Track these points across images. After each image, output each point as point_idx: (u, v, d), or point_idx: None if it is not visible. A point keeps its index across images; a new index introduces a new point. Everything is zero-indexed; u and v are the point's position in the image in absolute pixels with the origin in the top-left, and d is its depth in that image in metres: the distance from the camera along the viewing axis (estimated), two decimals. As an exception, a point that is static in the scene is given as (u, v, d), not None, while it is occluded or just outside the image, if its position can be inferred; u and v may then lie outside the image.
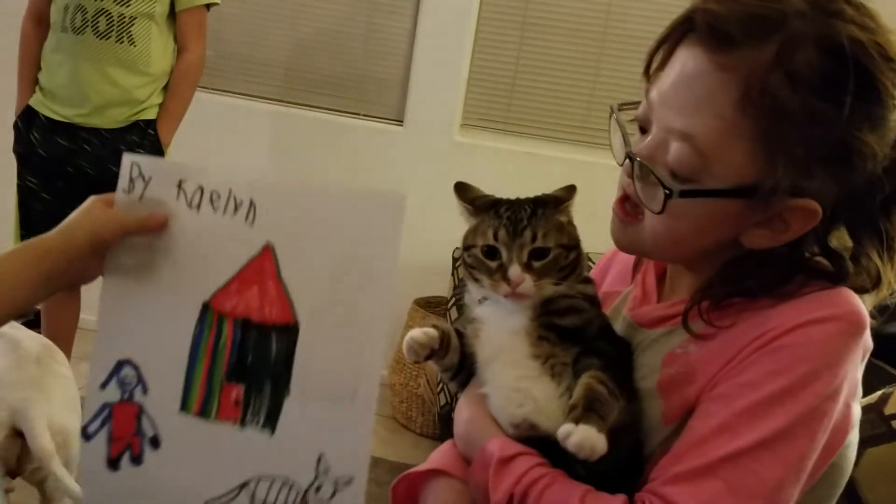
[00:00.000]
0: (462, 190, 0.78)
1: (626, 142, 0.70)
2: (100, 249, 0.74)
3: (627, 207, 0.71)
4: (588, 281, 0.75)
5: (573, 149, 2.76)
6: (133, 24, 1.89)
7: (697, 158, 0.63)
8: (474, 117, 2.86)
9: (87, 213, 0.74)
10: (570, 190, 0.75)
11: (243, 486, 0.76)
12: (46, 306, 2.12)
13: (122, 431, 0.78)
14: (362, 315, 0.75)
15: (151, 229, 0.76)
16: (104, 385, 0.78)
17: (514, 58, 2.80)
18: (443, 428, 2.38)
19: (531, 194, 0.75)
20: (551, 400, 0.68)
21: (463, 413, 0.75)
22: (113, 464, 0.78)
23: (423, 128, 2.82)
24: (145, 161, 0.77)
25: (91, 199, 0.76)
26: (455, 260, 2.49)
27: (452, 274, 2.50)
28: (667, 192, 0.64)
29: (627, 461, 0.67)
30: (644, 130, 0.69)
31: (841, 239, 0.67)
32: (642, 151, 0.67)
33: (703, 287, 0.68)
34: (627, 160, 0.68)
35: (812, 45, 0.61)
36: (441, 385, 2.36)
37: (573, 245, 0.73)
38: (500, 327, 0.72)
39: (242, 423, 0.76)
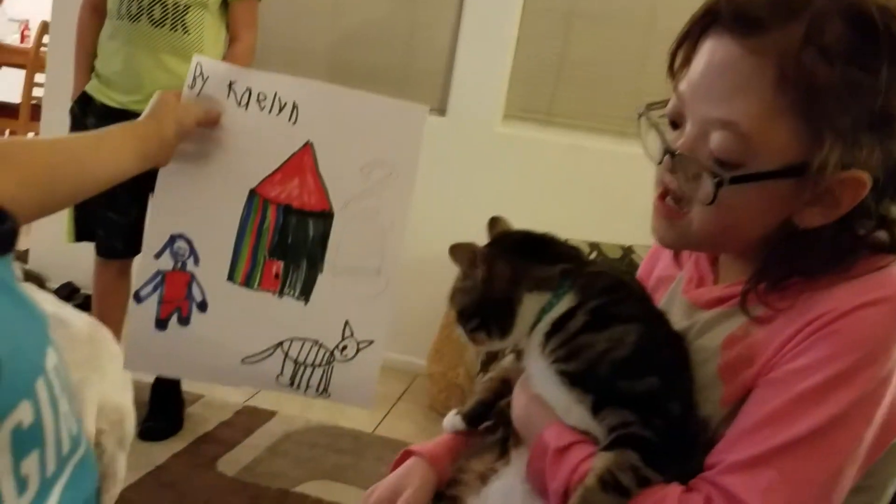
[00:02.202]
0: (491, 226, 0.78)
1: (662, 139, 0.69)
2: (181, 136, 0.84)
3: (670, 202, 0.70)
4: (587, 298, 0.69)
5: (618, 141, 2.73)
6: (187, 13, 1.92)
7: (742, 144, 0.63)
8: (517, 108, 2.85)
9: (168, 105, 0.84)
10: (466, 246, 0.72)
11: (278, 345, 0.87)
12: (97, 291, 2.18)
13: (173, 296, 0.88)
14: (387, 205, 0.88)
15: (213, 122, 0.86)
16: (158, 255, 0.88)
17: (559, 49, 2.78)
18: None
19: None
20: (590, 421, 0.68)
21: (520, 397, 0.75)
22: (161, 324, 0.89)
23: (466, 119, 2.82)
24: (206, 62, 0.88)
25: (163, 93, 0.85)
26: (496, 251, 2.49)
27: (493, 265, 2.50)
28: (717, 179, 0.64)
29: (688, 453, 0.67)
30: (676, 126, 0.69)
31: (889, 213, 0.67)
32: (683, 146, 0.67)
33: (759, 269, 0.68)
34: (667, 156, 0.68)
35: (839, 17, 0.61)
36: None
37: (470, 313, 0.72)
38: (527, 352, 0.73)
39: (281, 293, 0.88)
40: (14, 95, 4.01)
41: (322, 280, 0.88)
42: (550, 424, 0.69)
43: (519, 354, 0.78)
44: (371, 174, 0.88)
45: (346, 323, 0.88)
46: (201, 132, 0.86)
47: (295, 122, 0.87)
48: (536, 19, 2.78)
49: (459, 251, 0.72)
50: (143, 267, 0.89)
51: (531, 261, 0.71)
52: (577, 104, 2.81)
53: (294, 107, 0.87)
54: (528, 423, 0.73)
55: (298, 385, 0.88)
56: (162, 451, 1.98)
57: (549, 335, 0.69)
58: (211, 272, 0.88)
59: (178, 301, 0.88)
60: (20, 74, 3.96)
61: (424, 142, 3.15)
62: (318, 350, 0.88)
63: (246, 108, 0.87)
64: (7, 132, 4.11)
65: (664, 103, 0.71)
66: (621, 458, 0.63)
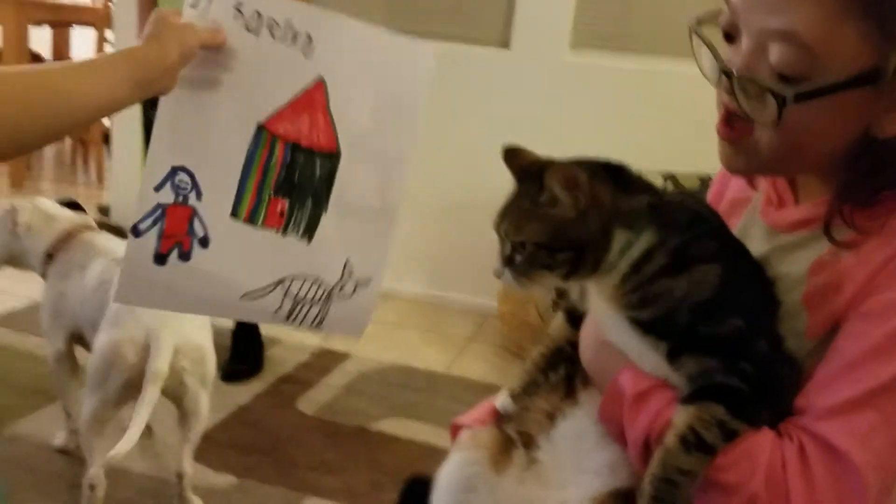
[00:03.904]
0: (509, 157, 0.69)
1: (716, 58, 0.63)
2: (185, 60, 0.76)
3: (733, 124, 0.64)
4: (668, 234, 0.61)
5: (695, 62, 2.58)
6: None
7: (805, 55, 0.56)
8: (586, 35, 2.72)
9: (170, 26, 0.75)
10: (562, 165, 0.61)
11: (279, 282, 0.87)
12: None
13: (174, 230, 0.83)
14: (393, 147, 0.87)
15: (218, 44, 0.78)
16: (158, 187, 0.83)
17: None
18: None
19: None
20: (667, 368, 0.62)
21: (588, 339, 0.70)
22: (160, 258, 0.84)
23: (531, 50, 2.72)
24: None
25: (162, 12, 0.77)
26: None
27: (564, 200, 2.43)
28: (779, 99, 0.57)
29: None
30: (731, 39, 0.62)
31: None
32: (739, 63, 0.60)
33: (841, 188, 0.61)
34: (724, 77, 0.62)
35: None
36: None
37: (560, 245, 0.61)
38: (595, 293, 0.66)
39: (284, 231, 0.86)
40: (87, 53, 4.13)
41: (326, 219, 0.87)
42: (625, 368, 0.64)
43: (570, 314, 0.73)
44: (380, 114, 0.86)
45: (347, 261, 0.88)
46: (206, 56, 0.79)
47: (308, 56, 0.81)
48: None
49: (558, 174, 0.61)
50: (141, 199, 0.83)
51: (622, 192, 0.63)
52: (650, 26, 2.65)
53: (308, 38, 0.81)
54: (600, 368, 0.68)
55: (294, 318, 0.89)
56: (244, 392, 2.05)
57: (625, 277, 0.62)
58: (214, 207, 0.84)
59: (179, 236, 0.84)
60: (91, 32, 4.06)
61: (489, 80, 3.04)
62: (318, 288, 0.88)
63: (256, 35, 0.80)
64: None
65: (716, 15, 0.64)
66: (705, 412, 0.58)
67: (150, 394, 1.34)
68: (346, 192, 0.87)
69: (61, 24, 4.43)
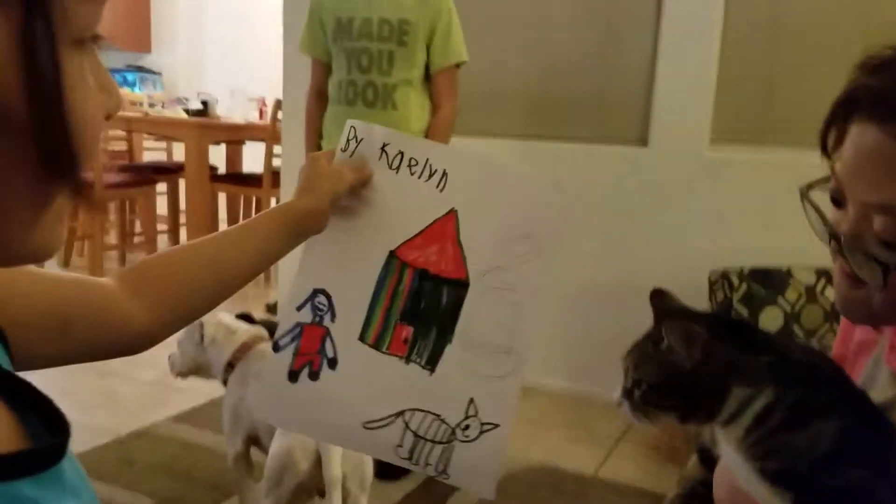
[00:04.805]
0: (654, 298, 0.75)
1: (825, 222, 0.68)
2: (336, 203, 0.84)
3: (846, 280, 0.69)
4: (785, 387, 0.65)
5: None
6: (396, 91, 2.12)
7: None
8: (726, 129, 2.72)
9: (323, 176, 0.83)
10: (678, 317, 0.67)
11: (399, 414, 0.86)
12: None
13: (307, 349, 0.88)
14: (525, 282, 0.85)
15: (364, 184, 0.86)
16: (300, 308, 0.89)
17: (767, 60, 2.62)
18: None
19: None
20: None
21: (723, 481, 0.75)
22: (293, 375, 0.88)
23: (670, 147, 2.75)
24: (359, 125, 0.88)
25: (316, 161, 0.85)
26: (712, 283, 2.37)
27: (710, 298, 2.39)
28: (882, 266, 0.62)
29: None
30: (838, 204, 0.68)
31: None
32: (846, 229, 0.66)
33: None
34: (832, 240, 0.67)
35: None
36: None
37: (672, 391, 0.66)
38: (724, 441, 0.71)
39: (408, 359, 0.87)
40: (258, 166, 4.61)
41: (449, 352, 0.86)
42: None
43: (703, 455, 0.76)
44: (512, 248, 0.86)
45: (471, 401, 0.85)
46: (352, 191, 0.87)
47: (442, 190, 0.87)
48: (739, 31, 2.65)
49: (675, 328, 0.67)
50: (283, 317, 0.89)
51: (742, 351, 0.68)
52: (794, 117, 2.61)
53: (444, 174, 0.87)
54: None
55: (417, 460, 0.86)
56: (397, 490, 2.14)
57: (748, 431, 0.67)
58: (344, 330, 0.88)
59: (311, 355, 0.88)
60: (261, 147, 4.54)
61: (628, 178, 3.07)
62: (440, 426, 0.86)
63: (396, 172, 0.87)
64: (254, 199, 4.71)
65: (824, 181, 0.70)
66: None
67: (335, 499, 1.45)
68: (472, 325, 0.86)
69: (235, 142, 5.01)
